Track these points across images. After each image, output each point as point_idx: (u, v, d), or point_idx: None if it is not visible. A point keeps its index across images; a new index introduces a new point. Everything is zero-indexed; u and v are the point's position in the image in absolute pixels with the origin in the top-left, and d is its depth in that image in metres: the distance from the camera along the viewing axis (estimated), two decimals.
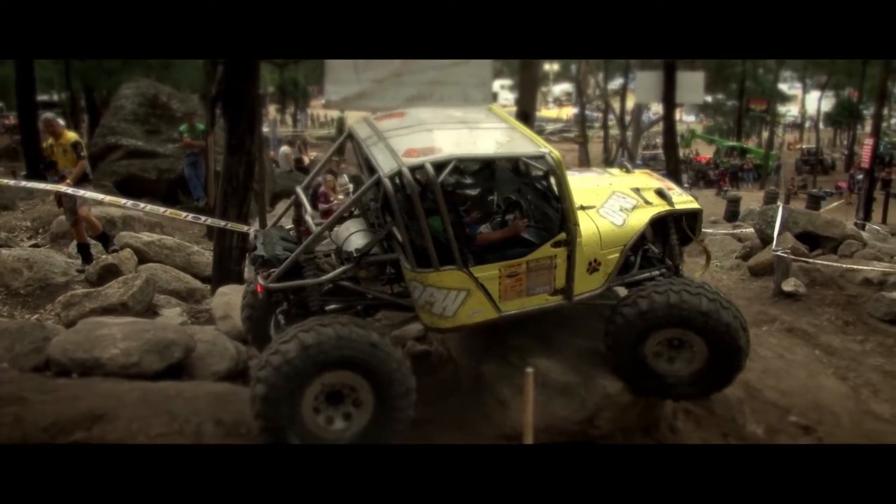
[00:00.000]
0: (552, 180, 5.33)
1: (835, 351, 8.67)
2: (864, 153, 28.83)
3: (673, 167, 19.96)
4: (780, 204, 15.10)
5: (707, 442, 6.23)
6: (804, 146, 51.93)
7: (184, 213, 9.65)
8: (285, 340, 4.74)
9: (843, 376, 8.71)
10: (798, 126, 60.71)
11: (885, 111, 39.33)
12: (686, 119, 56.76)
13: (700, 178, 41.76)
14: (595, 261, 5.44)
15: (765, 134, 53.23)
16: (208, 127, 15.14)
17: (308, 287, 5.22)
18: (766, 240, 12.93)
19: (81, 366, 6.00)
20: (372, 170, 5.20)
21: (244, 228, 8.37)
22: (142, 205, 10.03)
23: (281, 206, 17.33)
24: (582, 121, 46.30)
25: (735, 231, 16.21)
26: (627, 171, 6.87)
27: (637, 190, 6.07)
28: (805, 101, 56.67)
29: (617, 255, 5.57)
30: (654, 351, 5.54)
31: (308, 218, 5.62)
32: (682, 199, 6.11)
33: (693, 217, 6.12)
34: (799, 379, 7.38)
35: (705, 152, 47.99)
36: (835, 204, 28.16)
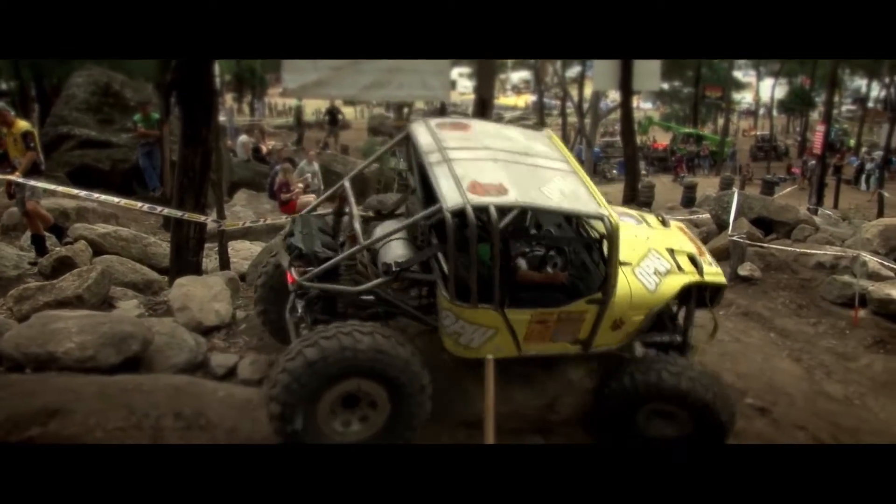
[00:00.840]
0: (604, 242, 5.32)
1: (789, 334, 8.84)
2: (816, 140, 29.32)
3: (630, 154, 20.14)
4: (736, 190, 15.31)
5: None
6: (758, 133, 52.72)
7: (140, 203, 9.49)
8: (291, 358, 4.71)
9: (797, 358, 8.89)
10: (752, 113, 61.59)
11: (836, 98, 40.05)
12: (643, 106, 57.27)
13: (651, 163, 42.26)
14: (620, 319, 5.50)
15: (720, 121, 53.92)
16: (163, 116, 14.92)
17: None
18: (721, 225, 13.12)
19: (35, 361, 5.86)
20: (426, 183, 5.22)
21: (201, 219, 8.25)
22: (96, 195, 9.85)
23: (240, 195, 17.26)
24: (540, 108, 46.53)
25: (691, 217, 16.41)
26: (663, 221, 6.84)
27: (672, 252, 6.11)
28: (759, 88, 57.58)
29: (642, 317, 5.62)
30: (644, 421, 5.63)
31: (356, 225, 5.50)
32: (712, 271, 6.12)
33: (717, 290, 6.16)
34: (755, 361, 7.50)
35: (662, 139, 48.46)
36: (788, 189, 28.72)
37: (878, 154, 39.32)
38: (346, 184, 5.89)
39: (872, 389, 8.44)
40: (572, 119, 46.23)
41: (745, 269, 11.13)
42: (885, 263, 12.27)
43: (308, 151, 17.84)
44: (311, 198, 14.95)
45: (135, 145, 16.00)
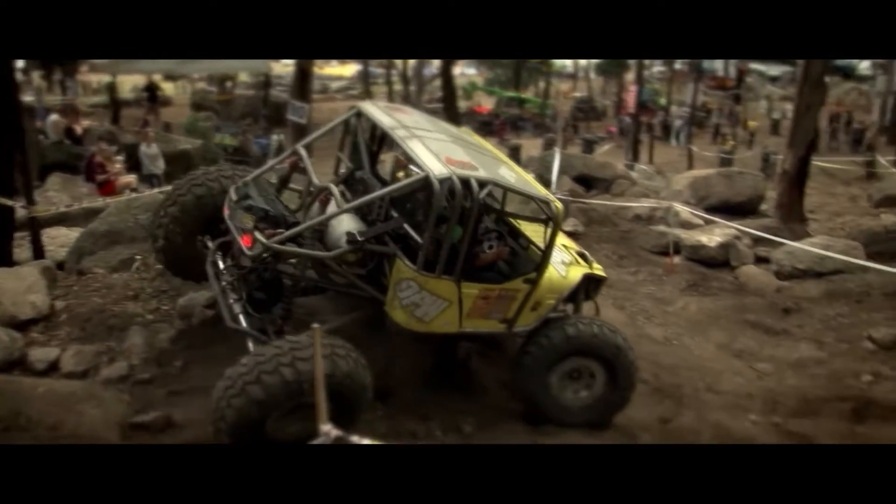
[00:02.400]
0: (548, 227, 5.57)
1: (612, 283, 9.27)
2: (629, 100, 30.89)
3: (452, 119, 20.42)
4: (557, 150, 15.84)
5: (501, 379, 6.47)
6: (577, 95, 54.72)
7: None
8: (236, 395, 4.38)
9: (620, 306, 9.37)
10: (571, 76, 63.84)
11: (647, 61, 42.09)
12: (467, 72, 58.07)
13: (481, 128, 43.07)
14: (538, 301, 5.74)
15: (541, 84, 55.53)
16: None
17: (300, 259, 5.18)
18: (545, 184, 13.53)
19: None
20: (373, 157, 5.72)
21: (8, 203, 7.66)
22: None
23: (53, 179, 16.11)
24: (365, 78, 46.24)
25: None
26: None
27: (566, 247, 6.58)
28: None
29: (553, 301, 5.92)
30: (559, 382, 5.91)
31: (334, 189, 5.42)
32: (597, 266, 6.66)
33: (598, 282, 6.61)
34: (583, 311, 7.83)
35: (486, 103, 49.36)
36: (606, 147, 30.07)
37: (685, 111, 41.85)
38: (302, 151, 5.81)
39: (688, 329, 9.03)
40: (398, 87, 46.37)
41: (568, 225, 11.56)
42: (695, 212, 13.12)
43: (147, 133, 16.91)
44: (131, 178, 14.20)
45: None
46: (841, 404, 6.90)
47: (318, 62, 32.25)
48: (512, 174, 5.66)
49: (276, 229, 5.11)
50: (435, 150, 5.25)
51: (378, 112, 5.85)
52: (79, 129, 20.31)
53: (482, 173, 5.16)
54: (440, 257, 5.07)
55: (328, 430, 3.33)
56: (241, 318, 5.20)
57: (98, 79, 40.55)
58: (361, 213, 5.61)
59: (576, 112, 48.66)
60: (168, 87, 42.06)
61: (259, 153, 24.17)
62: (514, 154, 27.82)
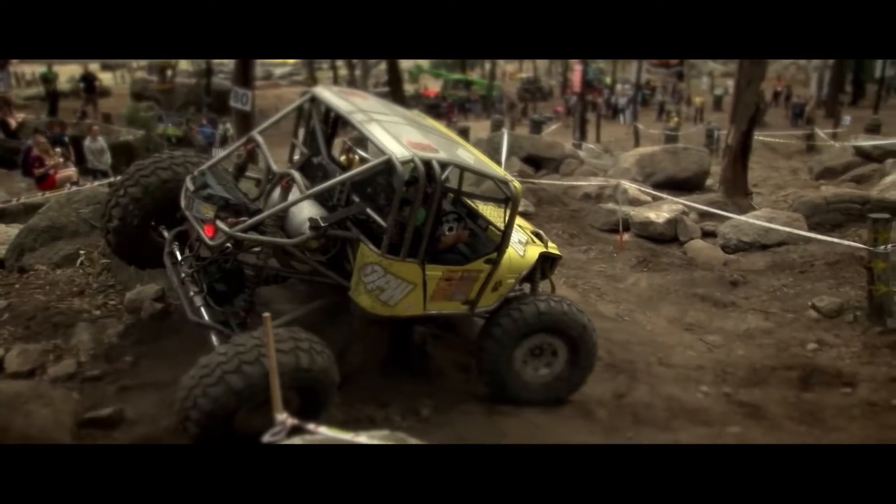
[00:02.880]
0: (507, 207, 5.61)
1: (564, 262, 9.34)
2: (575, 79, 31.05)
3: (398, 103, 20.35)
4: (505, 131, 15.89)
5: (458, 361, 6.50)
6: (523, 76, 54.92)
7: None
8: (213, 385, 4.28)
9: (573, 284, 9.45)
10: None
11: None
12: None
13: (428, 111, 43.00)
14: (499, 282, 5.78)
15: (487, 66, 55.56)
16: None
17: (263, 248, 5.10)
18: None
19: None
20: (329, 142, 5.76)
21: None
22: None
23: None
24: (310, 63, 45.76)
25: None
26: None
27: (521, 227, 6.56)
28: None
29: (512, 280, 5.99)
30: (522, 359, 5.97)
31: (297, 175, 5.36)
32: (552, 245, 6.74)
33: (554, 260, 6.69)
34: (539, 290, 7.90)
35: (433, 86, 49.27)
36: (554, 127, 30.21)
37: (627, 88, 42.32)
38: (259, 138, 5.72)
39: (639, 305, 9.15)
40: (343, 72, 46.00)
41: (519, 206, 11.58)
42: (643, 189, 13.28)
43: (91, 127, 16.54)
44: (71, 171, 13.88)
45: None
46: (788, 372, 7.06)
47: None
48: (470, 155, 5.70)
49: (238, 218, 5.02)
50: (394, 133, 5.26)
51: (333, 97, 5.81)
52: (13, 123, 19.77)
53: (443, 155, 5.17)
54: (404, 240, 5.07)
55: (284, 420, 3.31)
56: (203, 310, 5.09)
57: (32, 70, 39.49)
58: (321, 198, 5.56)
59: (522, 93, 48.83)
60: (106, 78, 41.17)
61: (204, 142, 23.82)
62: (463, 136, 27.80)
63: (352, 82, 38.30)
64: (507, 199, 5.62)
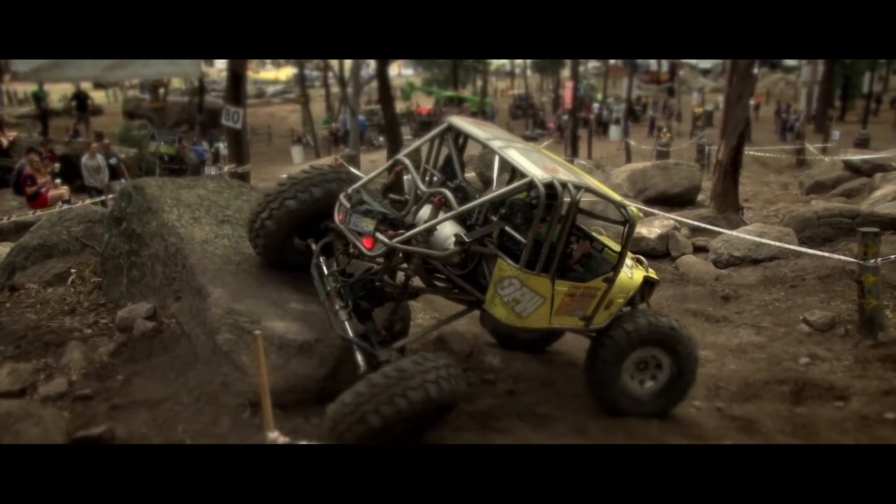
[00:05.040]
0: (624, 229, 5.90)
1: None
2: (566, 95, 31.16)
3: (390, 120, 20.48)
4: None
5: None
6: (515, 93, 55.16)
7: None
8: (386, 402, 4.70)
9: None
10: (509, 74, 64.34)
11: None
12: (405, 73, 58.13)
13: (421, 128, 43.14)
14: (611, 300, 6.05)
15: (479, 83, 55.86)
16: None
17: (415, 261, 5.55)
18: (486, 182, 13.58)
19: None
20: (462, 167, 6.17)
21: None
22: None
23: None
24: (302, 81, 45.91)
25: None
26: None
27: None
28: None
29: (622, 300, 6.27)
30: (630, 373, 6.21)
31: (448, 194, 5.60)
32: (651, 270, 7.00)
33: (652, 285, 6.95)
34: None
35: (426, 104, 49.45)
36: (546, 143, 30.31)
37: (610, 102, 42.52)
38: (406, 161, 6.05)
39: None
40: (335, 90, 46.11)
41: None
42: (635, 205, 13.26)
43: (90, 145, 16.54)
44: (63, 190, 13.86)
45: None
46: (780, 387, 7.07)
47: (252, 66, 31.89)
48: (590, 181, 6.04)
49: (395, 231, 5.41)
50: (531, 158, 5.62)
51: (467, 125, 6.21)
52: (4, 142, 19.78)
53: (575, 178, 5.55)
54: (540, 256, 5.39)
55: (275, 437, 3.31)
56: (347, 325, 5.41)
57: (24, 89, 39.48)
58: (460, 218, 5.86)
59: (514, 110, 48.99)
60: (99, 96, 41.18)
61: (196, 160, 23.80)
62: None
63: (343, 100, 38.34)
64: (625, 222, 5.90)
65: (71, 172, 16.05)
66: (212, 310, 5.67)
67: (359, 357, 5.28)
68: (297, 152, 38.17)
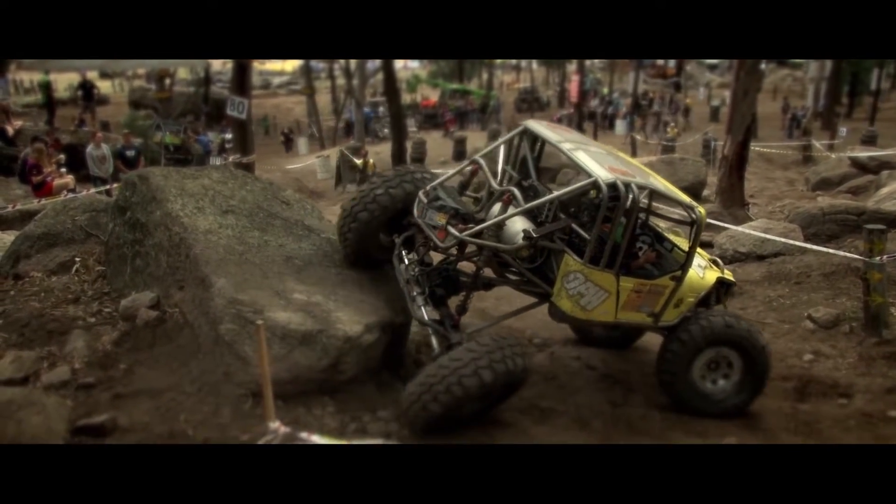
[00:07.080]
0: (692, 229, 6.08)
1: None
2: (573, 89, 31.12)
3: (395, 112, 20.46)
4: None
5: None
6: (521, 86, 55.02)
7: None
8: (467, 375, 5.07)
9: None
10: (515, 67, 64.15)
11: None
12: (410, 65, 57.97)
13: (427, 121, 43.16)
14: (681, 299, 6.26)
15: (484, 76, 55.73)
16: None
17: (485, 253, 5.87)
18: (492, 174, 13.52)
19: None
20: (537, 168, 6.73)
21: None
22: None
23: None
24: (307, 72, 45.86)
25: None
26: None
27: (700, 254, 7.01)
28: None
29: (693, 299, 6.46)
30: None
31: (517, 193, 5.93)
32: (727, 272, 7.14)
33: (728, 286, 7.09)
34: (526, 301, 7.89)
35: (432, 96, 49.37)
36: None
37: (617, 99, 42.38)
38: (481, 161, 6.41)
39: None
40: (341, 81, 46.10)
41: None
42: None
43: (95, 134, 16.57)
44: (68, 179, 13.87)
45: None
46: (784, 383, 7.05)
47: None
48: (659, 183, 6.18)
49: (466, 225, 5.77)
50: (598, 160, 5.88)
51: (544, 129, 6.58)
52: (11, 130, 19.80)
53: (639, 179, 5.74)
54: (604, 252, 5.64)
55: (276, 427, 3.31)
56: (423, 310, 5.79)
57: (31, 78, 39.51)
58: (531, 214, 6.15)
59: (519, 103, 48.89)
60: (105, 86, 41.18)
61: (202, 151, 23.82)
62: (460, 145, 27.83)
63: (349, 92, 38.34)
64: (692, 222, 6.05)
65: (76, 162, 16.08)
66: (215, 300, 5.67)
67: (434, 340, 5.72)
68: (302, 144, 38.23)
